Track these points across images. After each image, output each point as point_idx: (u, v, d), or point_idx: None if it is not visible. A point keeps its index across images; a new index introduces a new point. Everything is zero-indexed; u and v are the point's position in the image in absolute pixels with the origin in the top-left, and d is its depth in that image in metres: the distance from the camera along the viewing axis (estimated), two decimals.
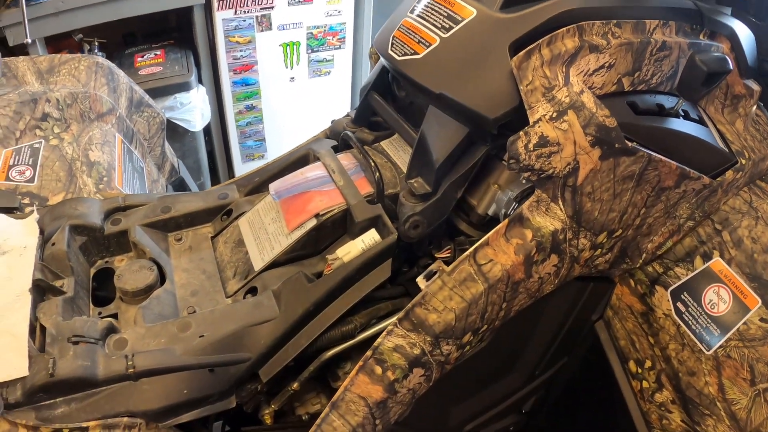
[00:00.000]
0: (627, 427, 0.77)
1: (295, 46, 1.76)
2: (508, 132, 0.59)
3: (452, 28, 0.62)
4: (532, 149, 0.57)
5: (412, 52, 0.63)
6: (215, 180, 1.85)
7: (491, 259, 0.60)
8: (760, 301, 0.70)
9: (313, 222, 0.66)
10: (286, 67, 1.82)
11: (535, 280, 0.64)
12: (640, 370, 0.77)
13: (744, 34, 0.72)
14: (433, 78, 0.61)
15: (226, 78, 1.73)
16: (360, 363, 0.58)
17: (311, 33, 1.78)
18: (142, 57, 1.52)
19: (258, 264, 0.67)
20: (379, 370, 0.58)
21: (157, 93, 1.39)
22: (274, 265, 0.67)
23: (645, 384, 0.76)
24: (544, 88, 0.58)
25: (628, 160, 0.61)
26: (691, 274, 0.74)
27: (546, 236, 0.61)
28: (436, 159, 0.62)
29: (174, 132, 1.48)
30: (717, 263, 0.73)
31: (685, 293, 0.74)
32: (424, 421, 0.73)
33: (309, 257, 0.68)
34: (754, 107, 0.76)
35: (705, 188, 0.69)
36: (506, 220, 0.60)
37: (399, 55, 0.64)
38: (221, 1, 1.55)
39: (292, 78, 1.87)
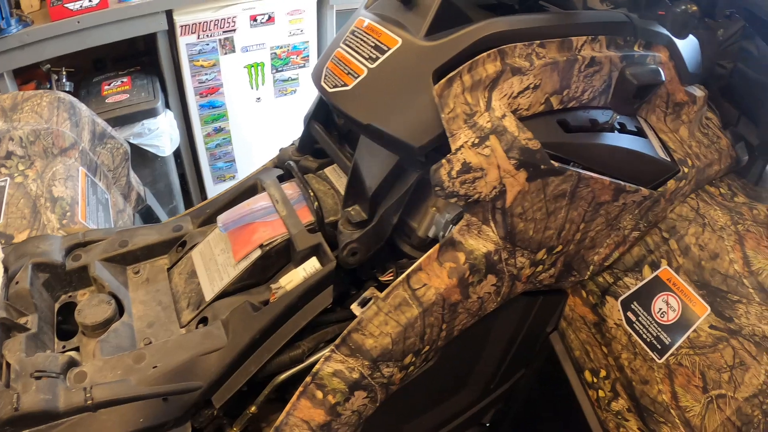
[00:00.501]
0: None
1: (259, 67, 1.83)
2: (439, 157, 0.63)
3: (378, 58, 0.65)
4: (455, 176, 0.60)
5: (342, 83, 0.67)
6: (188, 203, 1.92)
7: (425, 283, 0.64)
8: (708, 308, 0.72)
9: (258, 252, 0.70)
10: (252, 88, 1.90)
11: (474, 301, 0.67)
12: (595, 380, 0.80)
13: (683, 40, 0.74)
14: (362, 109, 0.65)
15: (192, 102, 1.81)
16: (300, 388, 0.63)
17: (275, 53, 1.85)
18: (109, 85, 1.59)
19: (209, 294, 0.72)
20: (319, 394, 0.63)
21: (125, 120, 1.46)
22: (224, 294, 0.72)
23: (601, 393, 0.80)
24: (466, 114, 0.61)
25: (557, 180, 0.64)
26: (639, 284, 0.77)
27: (479, 258, 0.64)
28: (369, 187, 0.66)
29: (144, 157, 1.55)
30: (665, 272, 0.76)
31: (634, 303, 0.77)
32: None
33: (257, 286, 0.73)
34: (702, 111, 0.78)
35: (646, 199, 0.72)
36: (437, 245, 0.63)
37: (330, 87, 0.68)
38: (184, 27, 1.62)
39: (259, 98, 1.94)
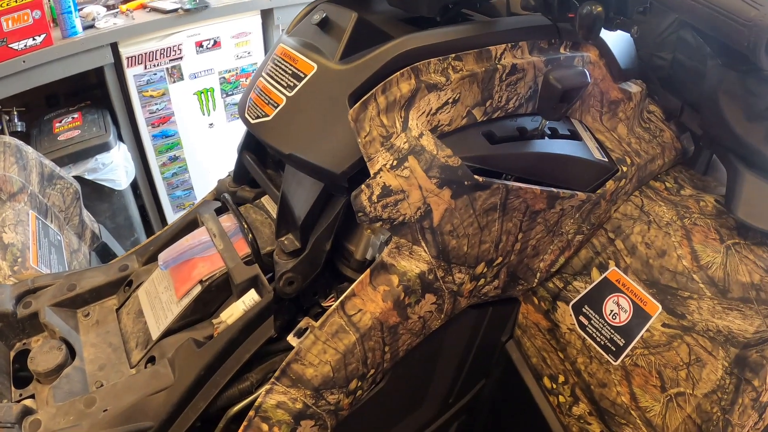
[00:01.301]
0: None
1: (209, 93, 1.87)
2: (364, 180, 0.64)
3: (296, 86, 0.67)
4: (376, 200, 0.62)
5: (264, 114, 0.69)
6: (150, 234, 1.95)
7: (360, 308, 0.65)
8: (660, 306, 0.73)
9: (199, 288, 0.73)
10: (204, 114, 1.93)
11: (415, 321, 0.69)
12: (554, 386, 0.81)
13: (613, 37, 0.74)
14: (283, 139, 0.66)
15: (145, 133, 1.84)
16: (245, 422, 0.65)
17: (224, 77, 1.89)
18: (60, 122, 1.63)
19: (155, 333, 0.74)
20: (265, 427, 0.65)
21: (78, 156, 1.50)
22: (169, 332, 0.74)
23: (561, 399, 0.81)
24: (382, 137, 0.62)
25: (484, 194, 0.65)
26: (589, 287, 0.78)
27: (413, 279, 0.66)
28: (298, 216, 0.67)
29: (101, 193, 1.59)
30: (613, 273, 0.77)
31: (585, 306, 0.78)
32: None
33: (202, 321, 0.75)
34: (642, 106, 0.79)
35: (584, 203, 0.73)
36: (368, 270, 0.65)
37: (253, 118, 0.70)
38: (130, 58, 1.65)
39: (211, 124, 1.97)
